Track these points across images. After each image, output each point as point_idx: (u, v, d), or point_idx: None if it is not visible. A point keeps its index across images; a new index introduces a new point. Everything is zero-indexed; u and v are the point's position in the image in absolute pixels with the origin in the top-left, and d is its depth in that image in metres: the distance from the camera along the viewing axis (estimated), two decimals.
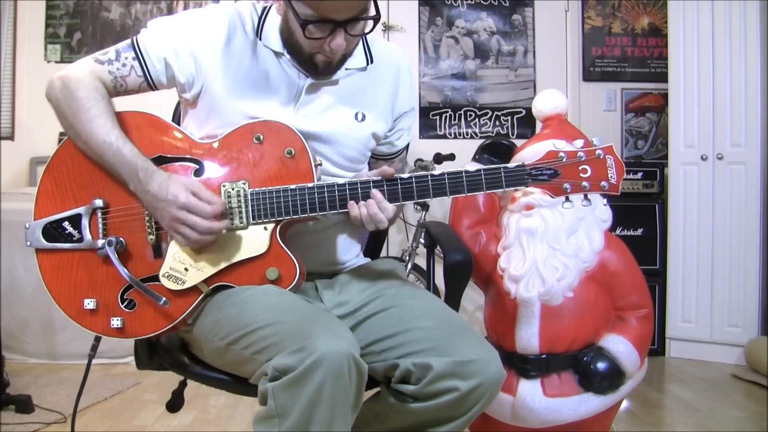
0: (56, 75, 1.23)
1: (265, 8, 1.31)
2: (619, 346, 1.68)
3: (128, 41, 1.26)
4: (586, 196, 1.18)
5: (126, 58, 1.24)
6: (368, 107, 1.33)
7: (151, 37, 1.25)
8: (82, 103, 1.18)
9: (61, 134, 3.05)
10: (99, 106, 1.19)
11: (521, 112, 3.75)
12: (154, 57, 1.24)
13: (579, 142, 1.17)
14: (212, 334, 1.16)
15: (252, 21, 1.29)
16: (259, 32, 1.28)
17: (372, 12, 1.18)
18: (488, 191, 1.17)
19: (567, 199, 1.18)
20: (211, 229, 1.14)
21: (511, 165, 1.16)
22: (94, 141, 1.18)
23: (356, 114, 1.31)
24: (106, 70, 1.23)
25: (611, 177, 1.16)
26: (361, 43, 1.34)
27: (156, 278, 1.19)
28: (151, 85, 1.26)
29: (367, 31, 1.22)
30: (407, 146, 1.48)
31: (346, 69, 1.30)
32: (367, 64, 1.34)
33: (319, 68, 1.24)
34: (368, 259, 1.45)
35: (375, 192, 1.17)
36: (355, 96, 1.32)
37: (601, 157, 1.16)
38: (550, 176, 1.16)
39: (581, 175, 1.16)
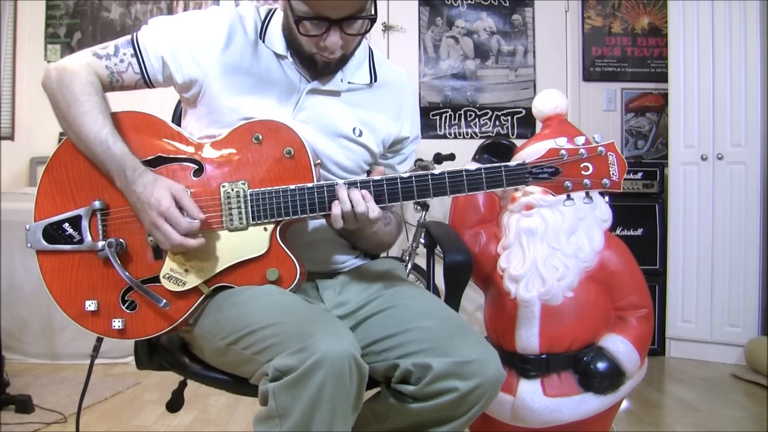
0: (53, 65, 1.23)
1: (269, 11, 1.31)
2: (619, 346, 1.67)
3: (128, 37, 1.26)
4: (587, 194, 1.17)
5: (124, 54, 1.24)
6: (367, 124, 1.32)
7: (150, 35, 1.25)
8: (76, 97, 1.19)
9: (61, 134, 3.04)
10: (93, 100, 1.19)
11: (521, 112, 3.75)
12: (152, 55, 1.24)
13: (580, 139, 1.16)
14: (213, 334, 1.16)
15: (255, 23, 1.29)
16: (262, 34, 1.28)
17: (370, 12, 1.18)
18: (489, 190, 1.16)
19: (568, 197, 1.17)
20: (183, 245, 1.13)
21: (511, 163, 1.15)
22: (86, 135, 1.18)
23: (354, 128, 1.31)
24: (103, 65, 1.24)
25: (613, 174, 1.14)
26: (367, 60, 1.34)
27: (157, 279, 1.19)
28: (147, 82, 1.27)
29: (364, 31, 1.21)
30: None
31: (350, 83, 1.31)
32: (371, 81, 1.34)
33: (318, 67, 1.24)
34: (368, 259, 1.45)
35: (365, 192, 1.15)
36: (356, 110, 1.32)
37: (603, 154, 1.14)
38: (551, 174, 1.15)
39: (583, 172, 1.14)
